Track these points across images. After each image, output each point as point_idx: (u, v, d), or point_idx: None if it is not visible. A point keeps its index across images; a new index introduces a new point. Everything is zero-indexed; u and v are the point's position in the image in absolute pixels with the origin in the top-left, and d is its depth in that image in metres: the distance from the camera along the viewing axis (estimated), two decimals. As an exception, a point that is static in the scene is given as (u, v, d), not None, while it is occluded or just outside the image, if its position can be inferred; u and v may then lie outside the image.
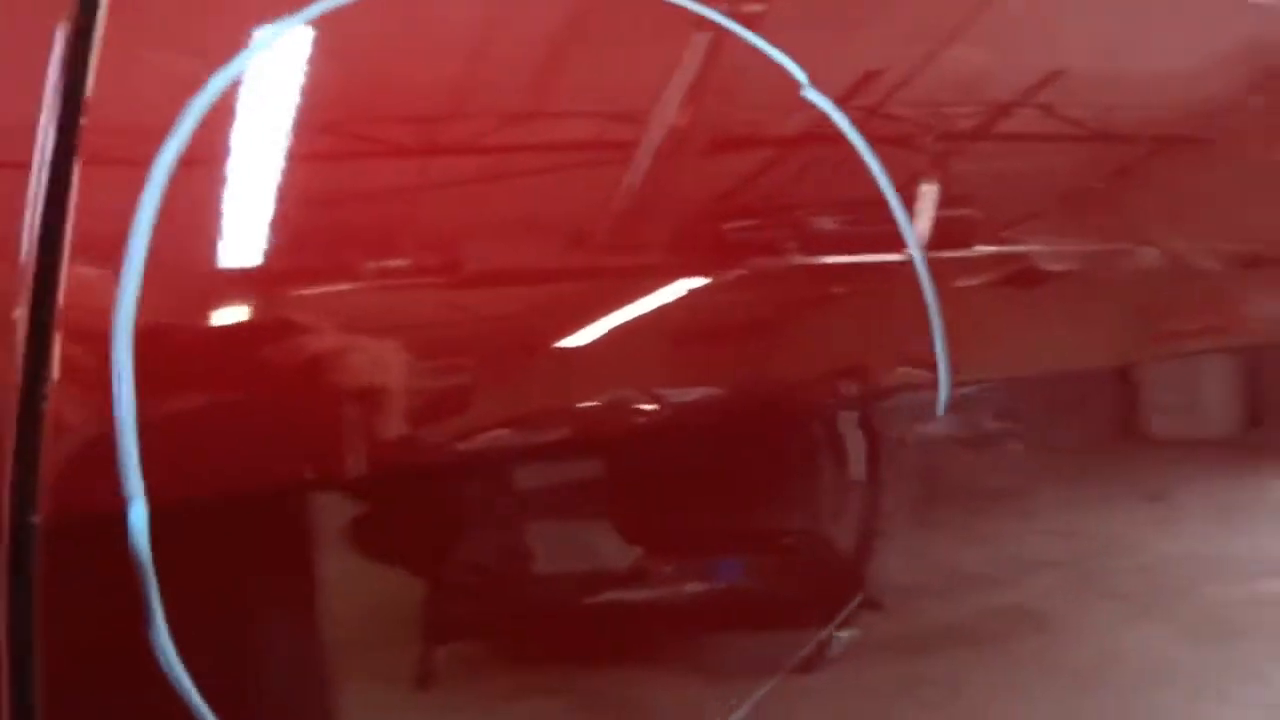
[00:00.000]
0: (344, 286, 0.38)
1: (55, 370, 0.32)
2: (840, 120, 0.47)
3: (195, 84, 0.36)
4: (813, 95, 0.47)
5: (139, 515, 0.32)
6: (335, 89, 0.41)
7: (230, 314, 0.36)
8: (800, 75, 0.47)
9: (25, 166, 0.33)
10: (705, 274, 0.46)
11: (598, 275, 0.44)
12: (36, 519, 0.31)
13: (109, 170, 0.35)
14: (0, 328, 0.32)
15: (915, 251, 0.48)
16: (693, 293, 0.45)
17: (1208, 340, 0.63)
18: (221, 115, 0.36)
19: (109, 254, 0.33)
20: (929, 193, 0.50)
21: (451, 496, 0.41)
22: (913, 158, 0.51)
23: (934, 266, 0.50)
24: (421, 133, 0.43)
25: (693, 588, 0.48)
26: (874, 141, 0.49)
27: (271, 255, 0.37)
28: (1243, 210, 0.64)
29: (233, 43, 0.38)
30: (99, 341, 0.32)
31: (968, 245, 0.52)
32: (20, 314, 0.32)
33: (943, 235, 0.50)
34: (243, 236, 0.36)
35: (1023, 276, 0.54)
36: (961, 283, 0.52)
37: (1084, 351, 0.56)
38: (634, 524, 0.46)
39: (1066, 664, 0.61)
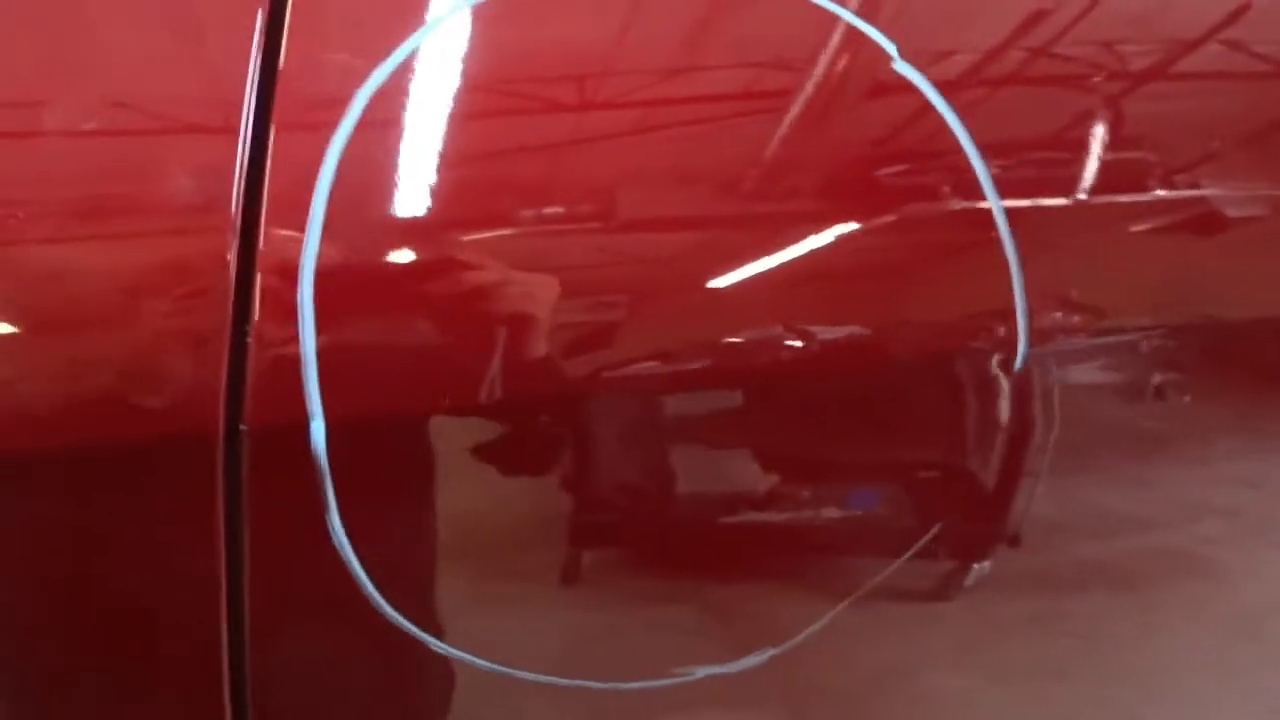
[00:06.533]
0: (503, 232, 0.43)
1: (257, 307, 0.38)
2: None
3: (374, 57, 0.41)
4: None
5: (318, 430, 0.38)
6: (498, 53, 0.45)
7: (400, 256, 0.41)
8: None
9: (234, 133, 0.39)
10: (853, 219, 0.47)
11: (747, 220, 0.47)
12: (244, 427, 0.38)
13: (297, 135, 0.41)
14: (215, 269, 0.38)
15: (995, 203, 0.47)
16: (840, 236, 0.47)
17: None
18: (396, 84, 0.41)
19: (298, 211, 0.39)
20: (1099, 135, 0.49)
21: (603, 418, 0.46)
22: (1082, 99, 0.50)
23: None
24: (577, 89, 0.46)
25: (828, 513, 0.51)
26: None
27: (437, 205, 0.42)
28: None
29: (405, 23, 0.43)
30: (290, 282, 0.37)
31: (1141, 189, 0.51)
32: (231, 258, 0.38)
33: (1112, 178, 0.49)
34: (412, 190, 0.41)
35: (1201, 222, 0.52)
36: (1134, 227, 0.51)
37: (1261, 299, 0.53)
38: (773, 453, 0.49)
39: (1224, 611, 0.60)
